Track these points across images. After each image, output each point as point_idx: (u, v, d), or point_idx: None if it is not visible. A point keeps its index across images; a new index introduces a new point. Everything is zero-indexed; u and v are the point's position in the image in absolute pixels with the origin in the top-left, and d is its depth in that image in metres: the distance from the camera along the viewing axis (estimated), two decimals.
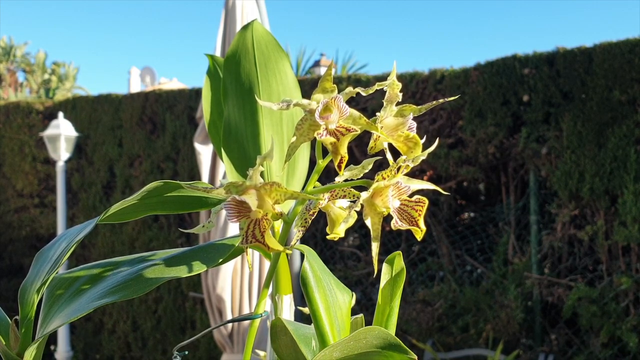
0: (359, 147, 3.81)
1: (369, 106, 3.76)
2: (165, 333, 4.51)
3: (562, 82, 3.37)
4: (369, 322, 0.62)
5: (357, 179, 0.56)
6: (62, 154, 4.49)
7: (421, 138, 0.56)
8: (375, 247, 0.54)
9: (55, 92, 13.31)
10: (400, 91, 0.56)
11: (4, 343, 0.56)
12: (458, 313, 3.56)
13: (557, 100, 3.38)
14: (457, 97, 0.86)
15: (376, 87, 0.54)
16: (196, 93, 4.54)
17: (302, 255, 0.57)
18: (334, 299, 0.57)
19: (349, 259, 4.02)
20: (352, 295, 0.60)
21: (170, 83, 10.45)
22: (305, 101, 0.54)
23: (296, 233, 0.60)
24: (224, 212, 0.51)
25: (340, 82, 3.99)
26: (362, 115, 0.54)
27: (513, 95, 3.49)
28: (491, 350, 3.35)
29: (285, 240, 0.59)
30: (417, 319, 3.59)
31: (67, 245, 0.56)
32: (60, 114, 4.59)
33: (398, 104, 0.57)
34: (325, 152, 0.56)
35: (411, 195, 0.54)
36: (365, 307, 3.82)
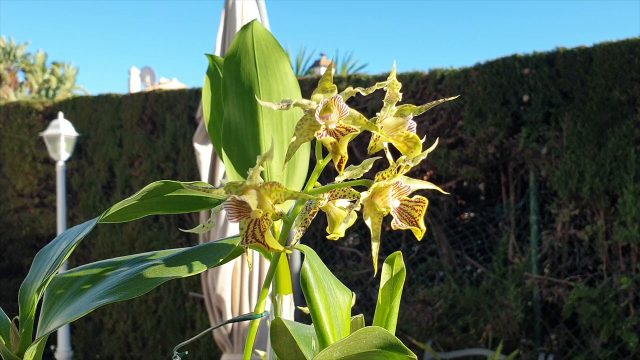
0: (359, 147, 3.81)
1: (369, 106, 3.76)
2: (165, 333, 4.51)
3: (562, 82, 3.37)
4: (369, 322, 0.63)
5: (357, 178, 0.56)
6: (62, 154, 4.48)
7: (421, 138, 0.56)
8: (375, 247, 0.54)
9: (55, 93, 13.31)
10: (400, 91, 0.56)
11: (4, 343, 0.56)
12: (458, 313, 3.56)
13: (557, 100, 3.38)
14: (457, 97, 0.86)
15: (376, 87, 0.54)
16: (196, 93, 4.54)
17: (302, 255, 0.57)
18: (334, 299, 0.57)
19: (349, 259, 4.02)
20: (352, 295, 0.60)
21: (170, 83, 10.46)
22: (305, 101, 0.54)
23: (296, 233, 0.60)
24: (224, 212, 0.51)
25: (340, 82, 3.99)
26: (362, 115, 0.54)
27: (513, 95, 3.49)
28: (491, 350, 3.35)
29: (285, 240, 0.59)
30: (417, 319, 3.59)
31: (67, 245, 0.56)
32: (60, 114, 4.59)
33: (398, 104, 0.57)
34: (325, 152, 0.56)
35: (411, 195, 0.54)
36: (365, 307, 3.82)
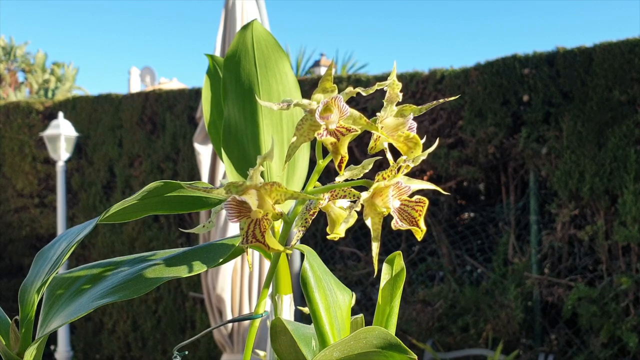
0: (359, 147, 3.81)
1: (369, 106, 3.76)
2: (165, 333, 4.51)
3: (562, 82, 3.37)
4: (369, 322, 0.63)
5: (357, 179, 0.56)
6: (62, 154, 4.48)
7: (421, 138, 0.56)
8: (375, 247, 0.54)
9: (54, 93, 13.31)
10: (401, 91, 0.56)
11: (4, 343, 0.56)
12: (458, 313, 3.56)
13: (557, 100, 3.38)
14: (457, 97, 0.86)
15: (376, 87, 0.54)
16: (196, 93, 4.54)
17: (302, 255, 0.57)
18: (334, 299, 0.57)
19: (349, 259, 4.02)
20: (352, 295, 0.60)
21: (170, 83, 10.46)
22: (305, 101, 0.54)
23: (296, 233, 0.60)
24: (224, 212, 0.51)
25: (340, 82, 3.99)
26: (362, 115, 0.54)
27: (513, 95, 3.49)
28: (491, 350, 3.35)
29: (285, 240, 0.59)
30: (417, 319, 3.59)
31: (67, 245, 0.56)
32: (60, 114, 4.59)
33: (398, 104, 0.57)
34: (325, 152, 0.56)
35: (411, 195, 0.54)
36: (365, 307, 3.82)
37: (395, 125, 0.56)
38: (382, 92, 0.56)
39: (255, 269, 2.75)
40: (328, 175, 2.96)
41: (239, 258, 2.77)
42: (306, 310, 0.58)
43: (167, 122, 4.59)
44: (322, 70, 8.54)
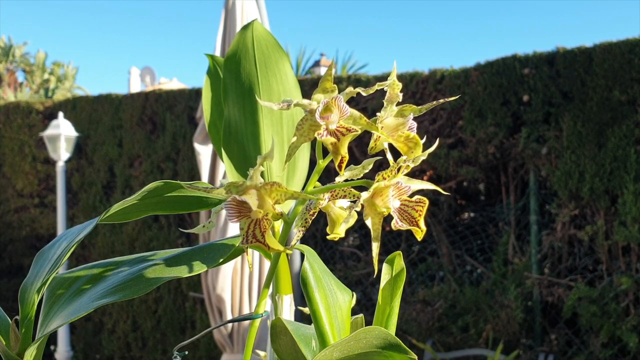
0: (359, 147, 3.81)
1: (369, 106, 3.76)
2: (165, 333, 4.51)
3: (562, 82, 3.37)
4: (369, 322, 0.63)
5: (358, 179, 0.56)
6: (62, 154, 4.48)
7: (421, 138, 0.56)
8: (375, 247, 0.54)
9: (54, 92, 13.31)
10: (401, 91, 0.56)
11: (4, 343, 0.56)
12: (458, 313, 3.56)
13: (557, 100, 3.38)
14: (457, 97, 0.86)
15: (376, 87, 0.54)
16: (196, 93, 4.54)
17: (302, 255, 0.57)
18: (334, 299, 0.57)
19: (349, 259, 4.02)
20: (353, 295, 0.60)
21: (170, 83, 10.46)
22: (305, 101, 0.54)
23: (296, 233, 0.60)
24: (224, 212, 0.51)
25: (340, 82, 3.99)
26: (362, 115, 0.54)
27: (513, 95, 3.49)
28: (491, 350, 3.35)
29: (285, 240, 0.59)
30: (417, 319, 3.59)
31: (68, 245, 0.56)
32: (60, 114, 4.59)
33: (398, 104, 0.57)
34: (325, 152, 0.56)
35: (411, 196, 0.54)
36: (365, 307, 3.82)
37: (395, 126, 0.56)
38: (382, 92, 0.56)
39: (255, 269, 2.75)
40: (328, 175, 2.96)
41: (239, 258, 2.77)
42: (306, 310, 0.58)
43: (167, 122, 4.59)
44: (322, 70, 8.55)
